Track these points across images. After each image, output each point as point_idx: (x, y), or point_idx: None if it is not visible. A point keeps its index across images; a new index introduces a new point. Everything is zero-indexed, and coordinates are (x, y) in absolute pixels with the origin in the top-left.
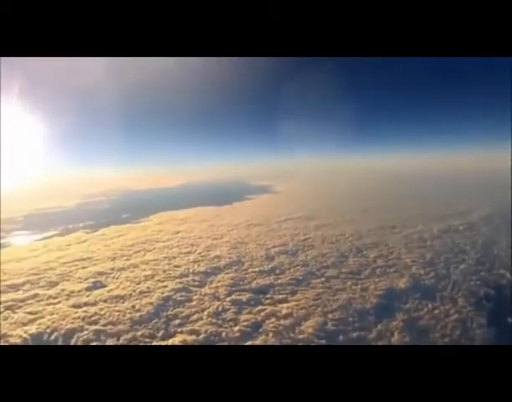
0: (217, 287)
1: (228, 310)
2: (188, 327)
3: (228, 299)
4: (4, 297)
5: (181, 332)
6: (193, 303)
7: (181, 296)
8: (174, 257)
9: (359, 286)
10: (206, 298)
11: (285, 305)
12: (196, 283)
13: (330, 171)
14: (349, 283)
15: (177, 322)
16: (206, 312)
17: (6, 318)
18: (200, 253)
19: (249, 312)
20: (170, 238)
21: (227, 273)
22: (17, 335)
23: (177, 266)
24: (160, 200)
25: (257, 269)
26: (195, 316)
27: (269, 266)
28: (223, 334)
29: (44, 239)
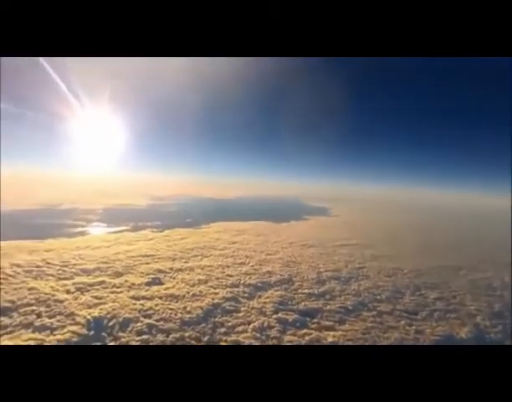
0: (265, 303)
1: (273, 327)
2: (233, 337)
3: (275, 316)
4: (77, 279)
5: (226, 341)
6: (240, 314)
7: (230, 305)
8: (228, 266)
9: (413, 328)
10: (253, 312)
11: (332, 333)
12: (245, 295)
13: (392, 201)
14: (402, 322)
15: (223, 330)
16: (251, 326)
17: (76, 298)
18: (253, 266)
19: (294, 334)
20: (226, 247)
21: (276, 290)
22: (82, 315)
23: (230, 276)
24: (221, 209)
25: (306, 291)
26: (240, 328)
27: (320, 290)
28: None
29: (117, 232)
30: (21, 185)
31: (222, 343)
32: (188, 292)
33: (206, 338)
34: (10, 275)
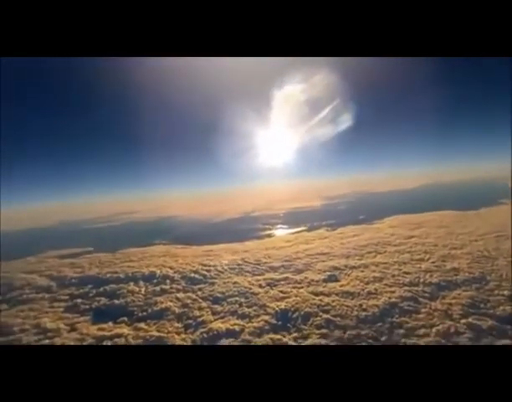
0: (450, 304)
1: (462, 334)
2: (413, 340)
3: (463, 321)
4: (267, 275)
5: (405, 344)
6: (421, 316)
7: (408, 305)
8: (405, 263)
9: None
10: (436, 314)
11: None
12: (426, 295)
13: None
14: None
15: (402, 331)
16: (434, 330)
17: (266, 292)
18: (434, 262)
19: (490, 343)
20: (402, 242)
21: (465, 290)
22: (272, 307)
23: (407, 273)
24: (396, 203)
25: (506, 292)
26: (421, 331)
27: None
28: None
29: (296, 233)
30: (222, 200)
31: (401, 344)
32: (363, 290)
33: (383, 338)
34: (221, 272)
